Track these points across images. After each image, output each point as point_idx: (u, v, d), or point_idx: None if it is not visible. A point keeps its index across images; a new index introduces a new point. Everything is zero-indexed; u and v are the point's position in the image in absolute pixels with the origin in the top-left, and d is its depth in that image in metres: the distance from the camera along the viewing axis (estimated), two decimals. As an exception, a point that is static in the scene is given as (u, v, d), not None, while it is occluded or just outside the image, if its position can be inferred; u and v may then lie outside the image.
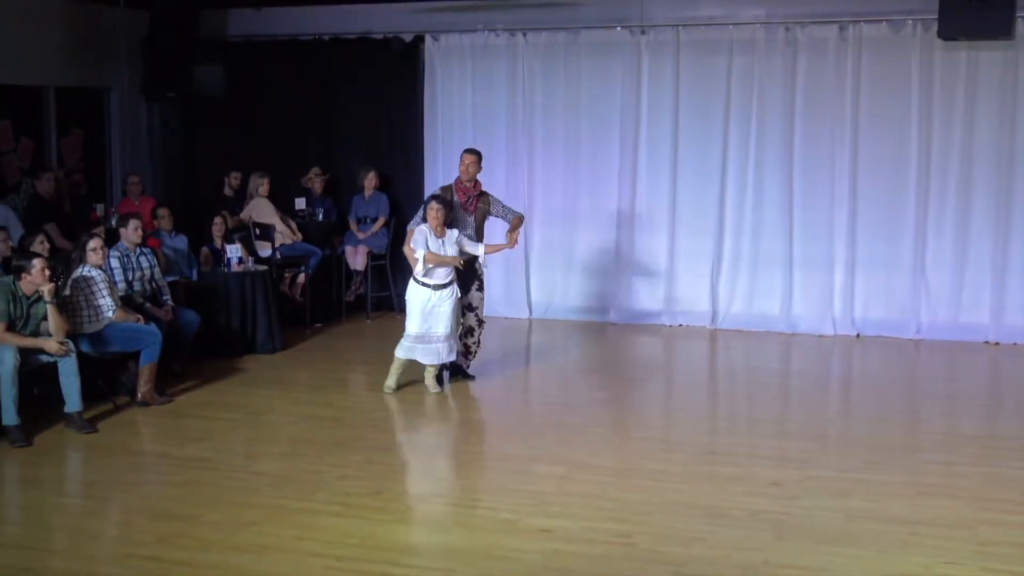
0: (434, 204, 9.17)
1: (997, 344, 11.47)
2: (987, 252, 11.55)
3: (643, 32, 12.28)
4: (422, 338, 9.19)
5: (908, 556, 5.87)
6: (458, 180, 9.61)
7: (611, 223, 12.62)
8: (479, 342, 9.89)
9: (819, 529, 6.29)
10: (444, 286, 9.15)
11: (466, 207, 9.51)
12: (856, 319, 11.99)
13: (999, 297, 11.53)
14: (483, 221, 9.66)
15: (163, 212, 11.28)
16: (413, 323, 9.21)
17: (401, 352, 9.33)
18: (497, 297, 12.85)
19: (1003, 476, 7.23)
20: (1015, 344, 11.43)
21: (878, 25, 11.61)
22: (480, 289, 9.68)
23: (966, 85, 11.44)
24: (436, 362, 9.35)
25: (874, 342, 11.73)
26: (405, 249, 9.37)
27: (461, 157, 9.64)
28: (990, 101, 11.38)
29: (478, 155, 9.61)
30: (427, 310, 9.13)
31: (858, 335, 11.91)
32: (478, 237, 9.56)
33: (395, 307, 12.97)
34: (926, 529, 6.25)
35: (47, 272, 8.16)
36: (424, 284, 9.13)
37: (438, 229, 9.11)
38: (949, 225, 11.67)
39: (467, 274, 9.40)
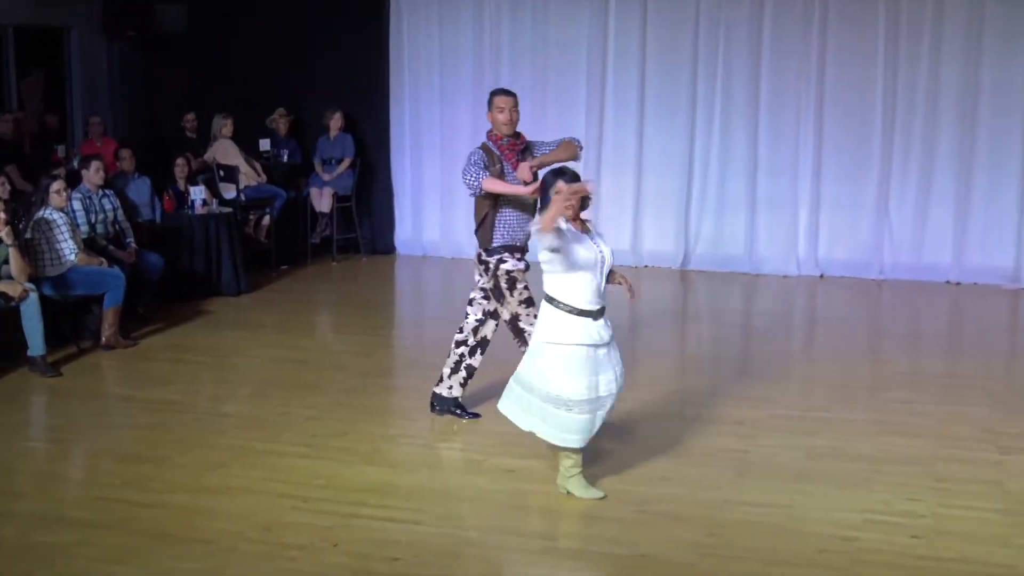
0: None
1: (958, 284, 11.59)
2: (949, 191, 11.60)
3: (610, -28, 12.21)
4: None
5: (870, 493, 5.96)
6: (494, 136, 6.80)
7: (577, 164, 12.54)
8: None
9: (781, 467, 6.37)
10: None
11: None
12: (820, 260, 12.07)
13: (961, 236, 11.61)
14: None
15: (125, 153, 11.15)
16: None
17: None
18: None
19: (963, 415, 7.33)
20: (975, 284, 11.56)
21: (845, -35, 11.58)
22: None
23: (931, 26, 11.42)
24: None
25: (837, 283, 11.83)
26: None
27: (492, 101, 6.80)
28: (953, 43, 11.37)
29: (515, 97, 6.88)
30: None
31: (821, 276, 12.00)
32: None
33: (360, 249, 12.97)
34: (887, 467, 6.34)
35: (4, 214, 8.08)
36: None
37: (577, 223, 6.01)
38: (914, 166, 11.72)
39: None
